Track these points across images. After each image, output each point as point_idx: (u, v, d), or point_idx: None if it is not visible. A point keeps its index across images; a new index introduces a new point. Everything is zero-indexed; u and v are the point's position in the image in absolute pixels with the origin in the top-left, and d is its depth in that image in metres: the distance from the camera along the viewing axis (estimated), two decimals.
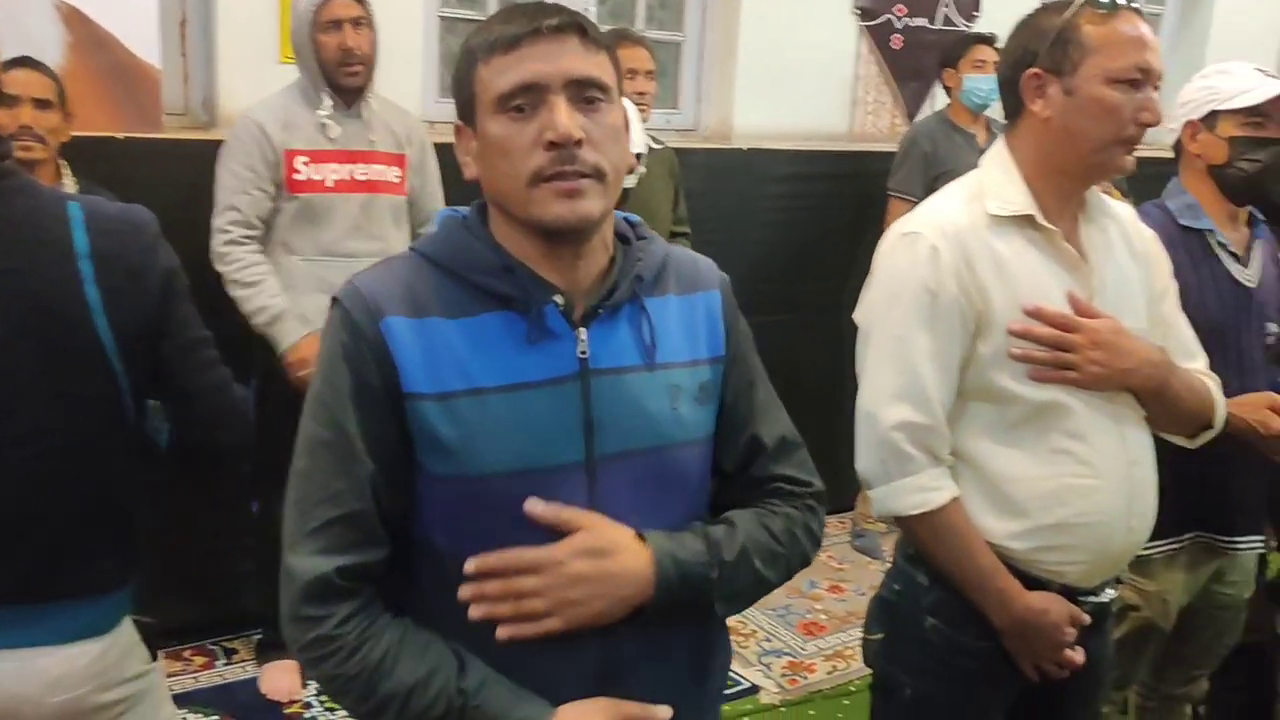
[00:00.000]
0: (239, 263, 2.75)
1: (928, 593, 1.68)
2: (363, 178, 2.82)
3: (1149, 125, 1.59)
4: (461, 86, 1.18)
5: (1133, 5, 1.61)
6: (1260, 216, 2.18)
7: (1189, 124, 2.12)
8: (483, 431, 1.13)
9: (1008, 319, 1.59)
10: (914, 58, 4.13)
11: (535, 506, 1.14)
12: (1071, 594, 1.65)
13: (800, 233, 3.88)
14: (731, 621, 3.37)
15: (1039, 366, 1.58)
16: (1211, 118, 2.08)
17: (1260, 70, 2.06)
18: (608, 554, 1.15)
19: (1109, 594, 1.72)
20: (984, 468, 1.63)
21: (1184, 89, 2.18)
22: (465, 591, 1.14)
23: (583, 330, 1.18)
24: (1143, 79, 1.57)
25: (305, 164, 2.74)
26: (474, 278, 1.17)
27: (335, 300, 1.17)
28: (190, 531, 2.94)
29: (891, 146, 3.82)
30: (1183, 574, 2.15)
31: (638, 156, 2.53)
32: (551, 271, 1.18)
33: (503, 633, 1.13)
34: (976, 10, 4.28)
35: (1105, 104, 1.57)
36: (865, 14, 4.02)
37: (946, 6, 4.21)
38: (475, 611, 1.13)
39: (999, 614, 1.62)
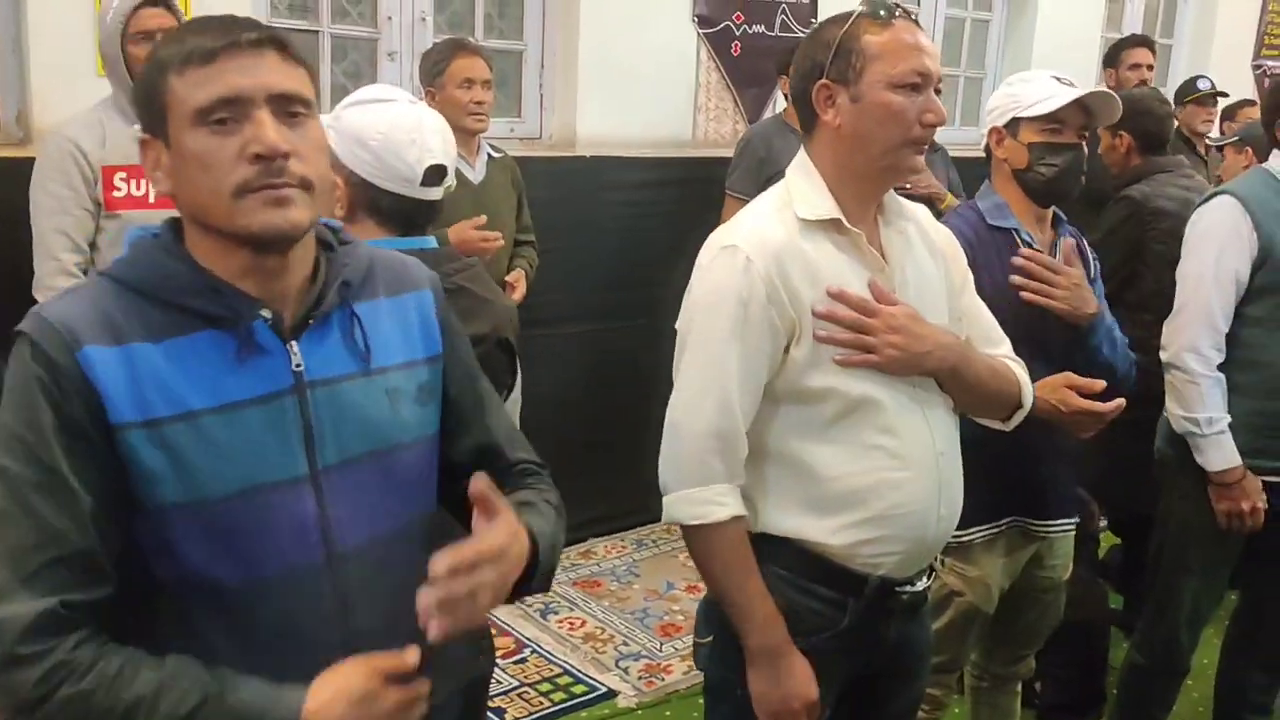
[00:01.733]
0: None
1: None
2: None
3: (933, 125, 1.65)
4: (150, 98, 1.14)
5: (908, 14, 1.68)
6: (1063, 216, 2.30)
7: (994, 130, 2.22)
8: (198, 455, 1.11)
9: (819, 322, 1.63)
10: (754, 64, 4.21)
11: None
12: (889, 585, 1.71)
13: (645, 239, 3.92)
14: (590, 628, 3.44)
15: (843, 350, 1.63)
16: (1014, 124, 2.18)
17: (1057, 79, 2.17)
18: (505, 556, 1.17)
19: (923, 583, 1.79)
20: (801, 466, 1.67)
21: (991, 97, 2.28)
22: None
23: (295, 343, 1.18)
24: (922, 83, 1.64)
25: (124, 180, 2.64)
26: (175, 299, 1.14)
27: (19, 334, 1.11)
28: None
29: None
30: (1002, 558, 2.24)
31: None
32: (256, 285, 1.16)
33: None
34: (814, 17, 4.37)
35: (890, 108, 1.63)
36: (704, 21, 4.08)
37: (784, 14, 4.31)
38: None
39: (758, 637, 1.65)
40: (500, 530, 1.15)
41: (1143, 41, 4.81)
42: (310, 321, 1.19)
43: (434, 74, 3.19)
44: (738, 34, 4.17)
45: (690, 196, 3.95)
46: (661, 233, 3.92)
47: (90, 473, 1.08)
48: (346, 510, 1.20)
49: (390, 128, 1.69)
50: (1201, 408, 2.45)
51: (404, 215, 1.73)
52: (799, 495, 1.67)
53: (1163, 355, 2.52)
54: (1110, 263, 2.96)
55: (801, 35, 4.34)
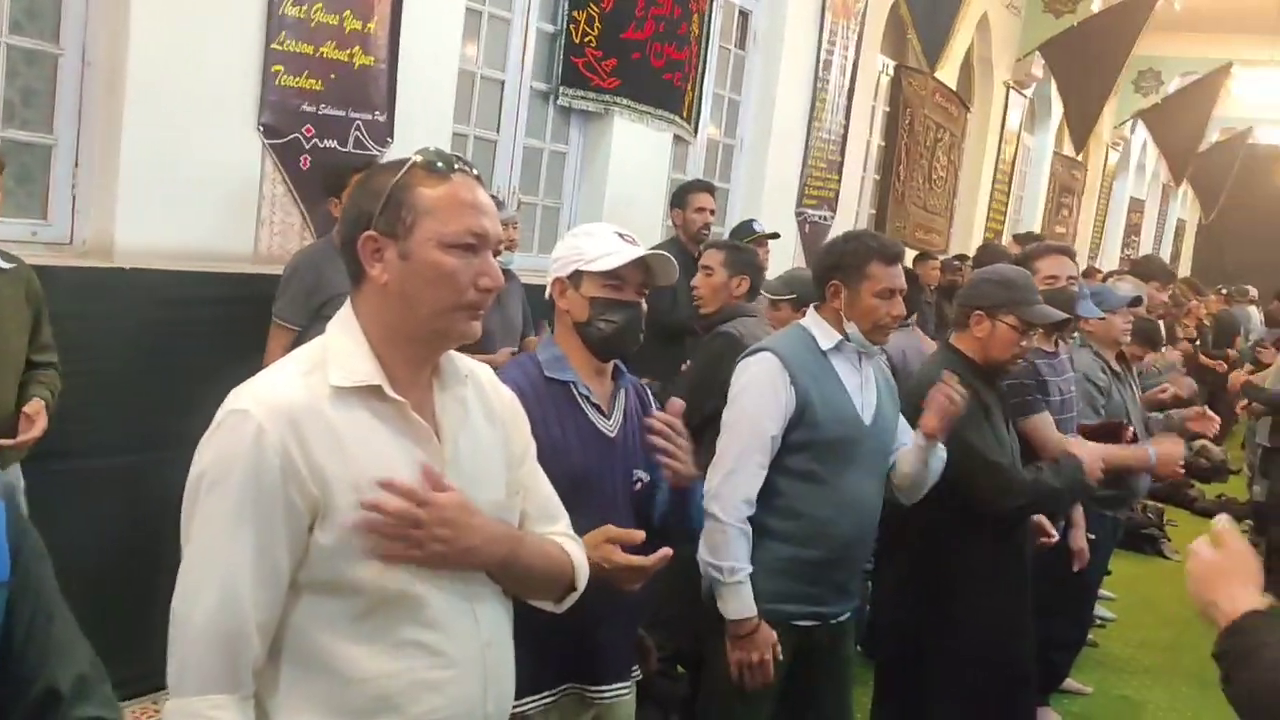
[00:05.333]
0: None
1: None
2: None
3: (489, 291, 1.54)
4: None
5: (468, 169, 1.57)
6: (624, 369, 2.27)
7: (557, 281, 2.17)
8: None
9: (350, 502, 1.44)
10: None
11: None
12: None
13: (196, 361, 3.50)
14: None
15: (384, 543, 1.44)
16: (576, 276, 2.14)
17: (621, 235, 2.15)
18: None
19: None
20: (324, 667, 1.45)
21: (557, 246, 2.24)
22: None
23: None
24: (479, 244, 1.52)
25: None
26: None
27: None
28: None
29: None
30: None
31: None
32: None
33: None
34: (390, 136, 4.25)
35: (441, 269, 1.50)
36: (270, 131, 3.81)
37: (359, 131, 4.14)
38: None
39: None
40: None
41: (706, 187, 5.17)
42: None
43: None
44: (307, 147, 3.94)
45: (250, 316, 3.62)
46: (216, 355, 3.53)
47: None
48: None
49: None
50: (726, 555, 2.52)
51: None
52: (321, 700, 1.45)
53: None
54: (710, 393, 3.05)
55: (377, 154, 4.22)
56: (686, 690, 3.82)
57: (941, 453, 2.77)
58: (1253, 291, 13.17)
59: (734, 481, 2.54)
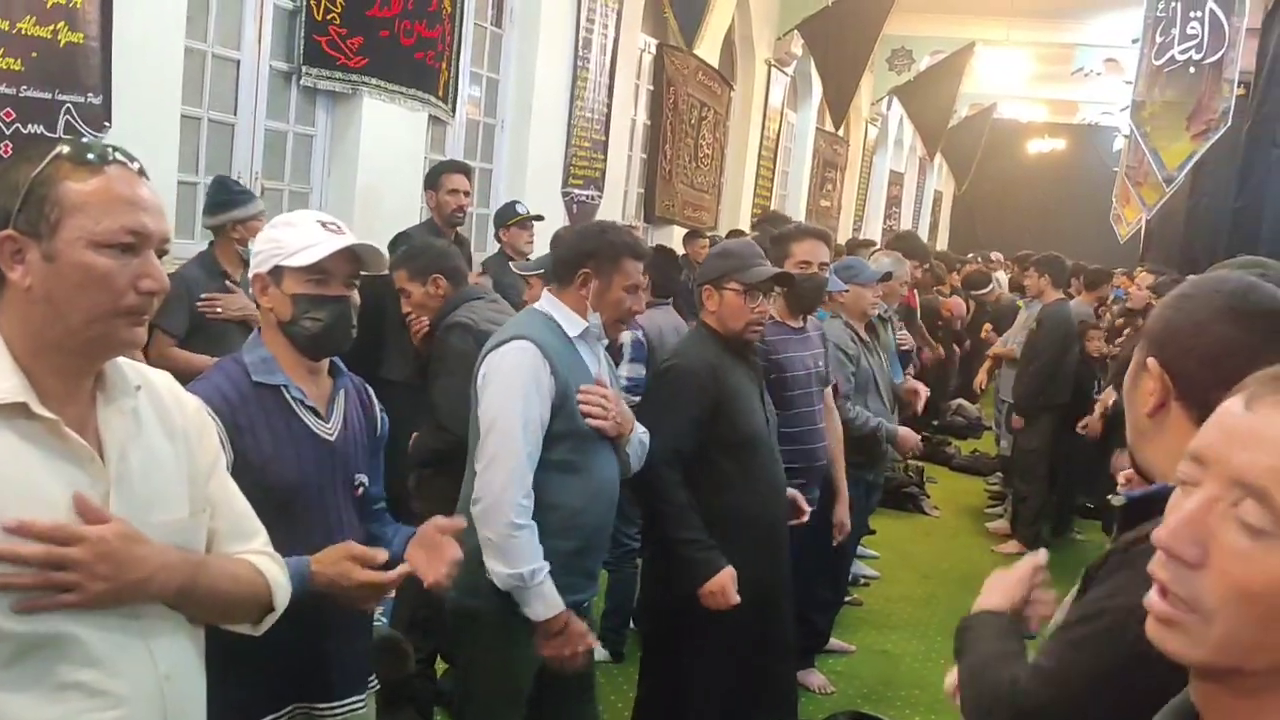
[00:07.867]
0: None
1: None
2: None
3: (151, 294, 1.40)
4: None
5: (127, 161, 1.42)
6: (343, 367, 2.15)
7: (258, 277, 2.03)
8: None
9: None
10: None
11: None
12: None
13: None
14: None
15: (26, 595, 1.29)
16: (278, 272, 2.00)
17: (325, 223, 2.02)
18: None
19: None
20: None
21: (255, 239, 2.10)
22: None
23: None
24: (138, 243, 1.38)
25: None
26: None
27: None
28: None
29: None
30: None
31: None
32: None
33: None
34: (107, 120, 3.93)
35: (93, 272, 1.35)
36: None
37: (70, 114, 3.80)
38: None
39: None
40: None
41: (460, 167, 5.03)
42: None
43: None
44: (8, 134, 3.59)
45: None
46: None
47: None
48: None
49: None
50: (523, 560, 2.43)
51: None
52: None
53: (475, 509, 2.47)
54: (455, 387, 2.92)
55: (94, 138, 3.89)
56: (451, 687, 3.74)
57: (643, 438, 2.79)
58: (997, 256, 14.11)
59: (513, 482, 2.44)
